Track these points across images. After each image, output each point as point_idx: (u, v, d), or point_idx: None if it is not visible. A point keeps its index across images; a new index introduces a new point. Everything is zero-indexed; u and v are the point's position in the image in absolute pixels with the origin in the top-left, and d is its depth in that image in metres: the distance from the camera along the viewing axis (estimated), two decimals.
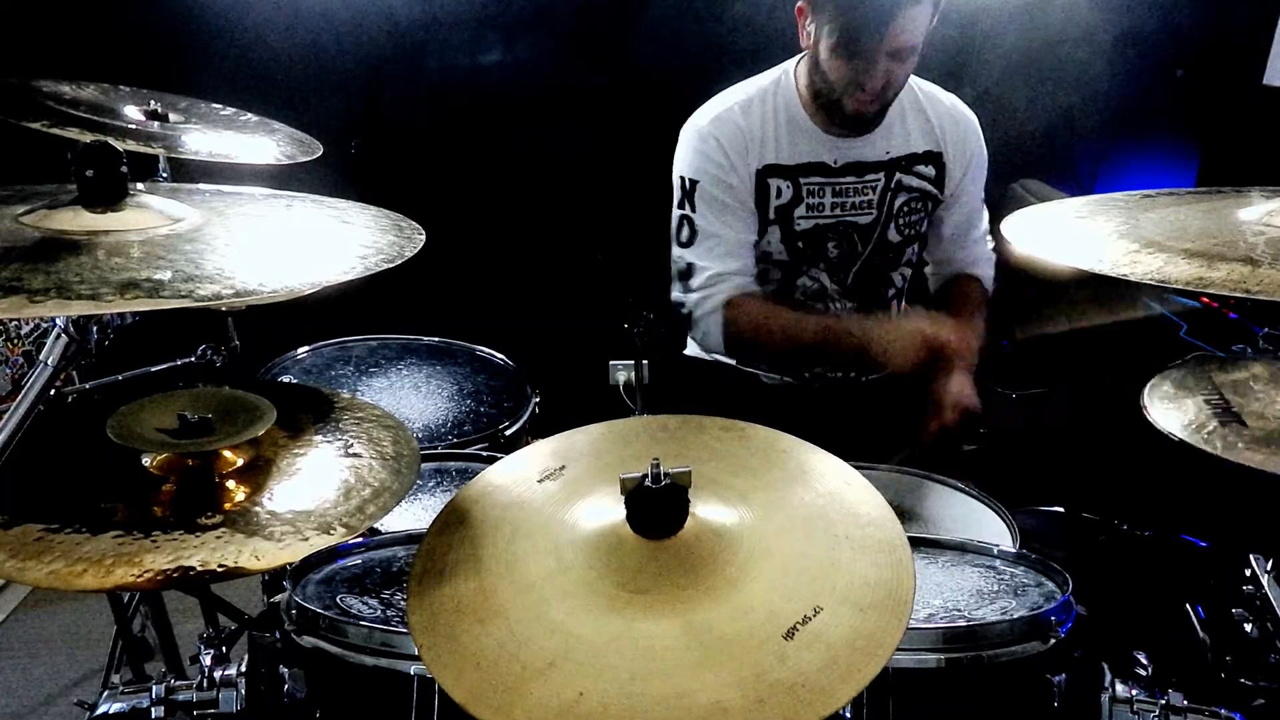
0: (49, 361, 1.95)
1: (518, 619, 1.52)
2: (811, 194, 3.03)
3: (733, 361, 3.29)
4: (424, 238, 1.92)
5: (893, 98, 2.94)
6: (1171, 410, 2.04)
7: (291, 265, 1.74)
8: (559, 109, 4.59)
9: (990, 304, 3.25)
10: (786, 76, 3.07)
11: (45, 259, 1.57)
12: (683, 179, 3.06)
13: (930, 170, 3.11)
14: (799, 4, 2.89)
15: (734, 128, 3.01)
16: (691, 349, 3.43)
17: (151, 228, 1.73)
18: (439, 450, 2.75)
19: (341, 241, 1.85)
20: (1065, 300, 3.57)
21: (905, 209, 3.10)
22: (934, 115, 3.10)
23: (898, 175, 3.07)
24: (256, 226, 1.88)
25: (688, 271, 3.06)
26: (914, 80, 3.06)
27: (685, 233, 3.05)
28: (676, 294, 3.10)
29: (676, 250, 3.09)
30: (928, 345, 2.78)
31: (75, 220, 1.72)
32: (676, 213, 3.08)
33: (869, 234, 3.10)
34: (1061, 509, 3.24)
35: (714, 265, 3.02)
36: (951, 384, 2.82)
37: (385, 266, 1.75)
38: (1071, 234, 1.98)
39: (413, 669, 1.81)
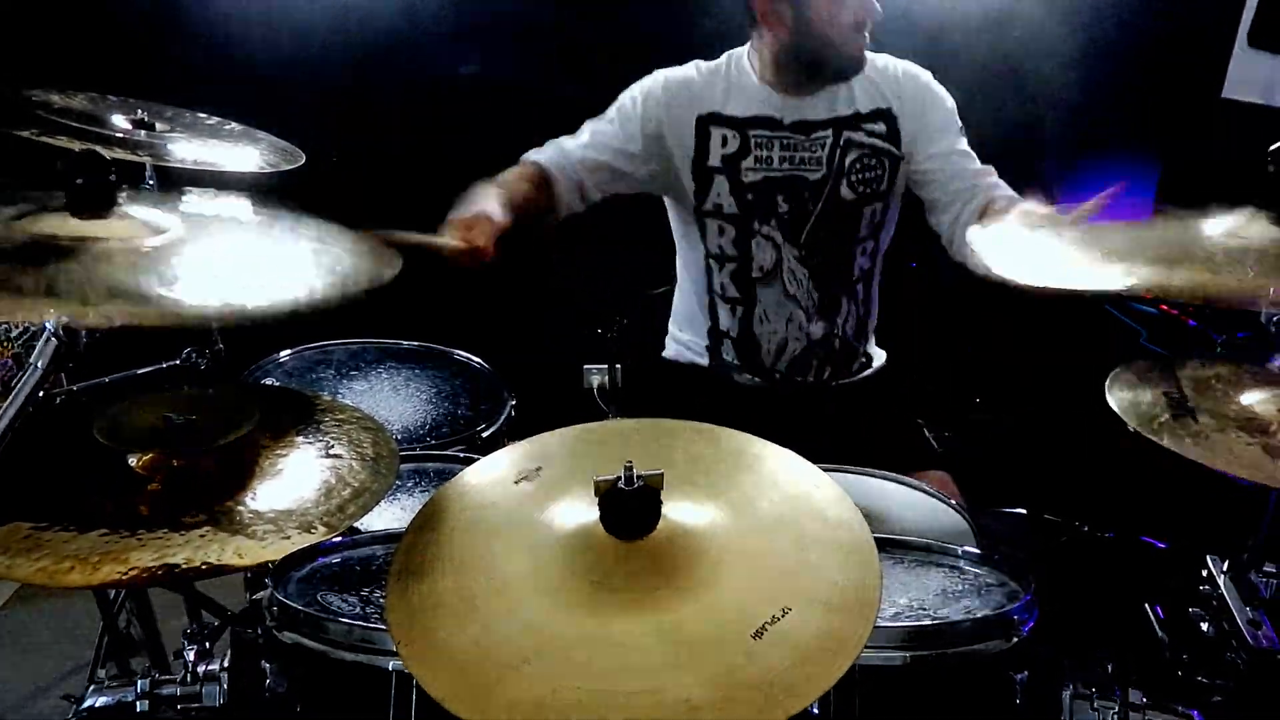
0: (38, 364, 1.97)
1: (493, 617, 1.54)
2: (760, 145, 3.10)
3: (705, 361, 3.36)
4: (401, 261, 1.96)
5: None
6: (1128, 399, 2.08)
7: (278, 283, 1.76)
8: (538, 119, 4.59)
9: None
10: (741, 53, 3.18)
11: (36, 262, 1.61)
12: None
13: (880, 127, 3.14)
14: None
15: (680, 79, 3.19)
16: (668, 351, 3.49)
17: (138, 237, 1.76)
18: (417, 452, 2.76)
19: (324, 260, 1.88)
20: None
21: (858, 165, 3.12)
22: (879, 77, 3.15)
23: (845, 133, 3.11)
24: (240, 241, 1.92)
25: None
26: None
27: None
28: None
29: None
30: None
31: (64, 226, 1.75)
32: None
33: (819, 190, 3.13)
34: (1024, 511, 3.27)
35: (565, 140, 3.24)
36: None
37: (365, 288, 1.79)
38: (1036, 250, 2.02)
39: (391, 665, 1.83)
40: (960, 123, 3.20)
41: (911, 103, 3.16)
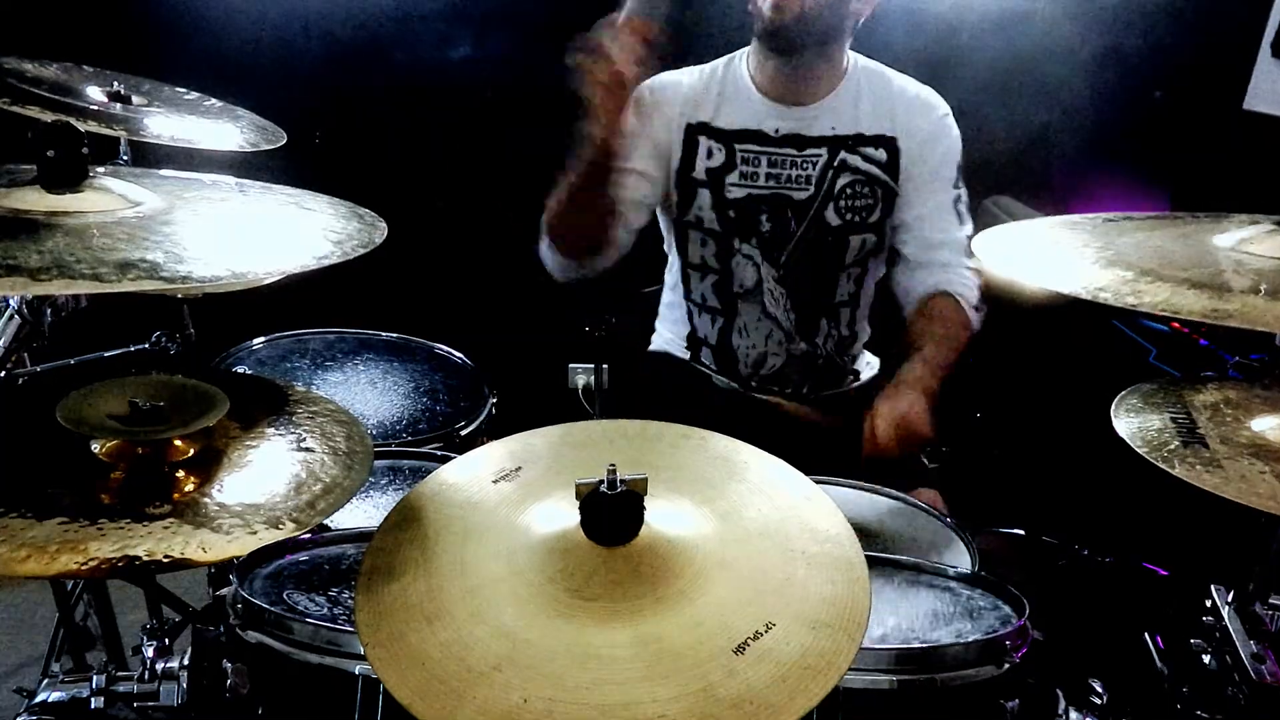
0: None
1: (465, 621, 1.50)
2: (746, 161, 3.03)
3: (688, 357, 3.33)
4: (385, 227, 1.92)
5: (815, 18, 2.88)
6: (1135, 425, 2.04)
7: (256, 253, 1.74)
8: (528, 106, 4.57)
9: (971, 333, 3.02)
10: (739, 55, 3.12)
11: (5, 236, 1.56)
12: None
13: (880, 154, 3.04)
14: None
15: (670, 84, 3.10)
16: (655, 344, 3.46)
17: (112, 210, 1.72)
18: (393, 448, 2.73)
19: (307, 230, 1.84)
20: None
21: (849, 191, 3.04)
22: (892, 100, 3.06)
23: (842, 154, 3.03)
24: (218, 213, 1.88)
25: None
26: (887, 70, 3.10)
27: None
28: None
29: None
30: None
31: (35, 200, 1.70)
32: None
33: (804, 211, 3.05)
34: (1022, 531, 3.23)
35: None
36: (887, 402, 2.72)
37: (356, 254, 1.75)
38: (1046, 253, 1.98)
39: (357, 668, 1.81)
40: (958, 173, 3.09)
41: (918, 133, 3.06)
